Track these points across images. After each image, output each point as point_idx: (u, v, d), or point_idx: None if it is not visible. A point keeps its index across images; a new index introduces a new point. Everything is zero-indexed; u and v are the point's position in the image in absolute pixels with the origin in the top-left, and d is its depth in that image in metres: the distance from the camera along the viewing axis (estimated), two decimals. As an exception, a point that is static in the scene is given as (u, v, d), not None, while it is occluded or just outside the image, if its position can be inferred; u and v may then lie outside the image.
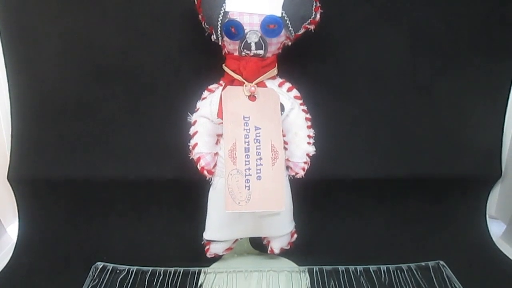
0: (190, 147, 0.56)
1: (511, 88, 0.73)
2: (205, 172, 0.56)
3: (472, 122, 0.74)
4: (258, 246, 0.68)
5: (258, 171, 0.52)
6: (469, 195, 0.77)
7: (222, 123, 0.52)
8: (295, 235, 0.63)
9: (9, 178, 0.71)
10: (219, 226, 0.60)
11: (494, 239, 0.75)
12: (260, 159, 0.52)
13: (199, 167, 0.55)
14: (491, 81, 0.73)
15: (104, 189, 0.71)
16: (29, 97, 0.70)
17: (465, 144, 0.74)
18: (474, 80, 0.72)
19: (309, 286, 0.61)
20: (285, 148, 0.56)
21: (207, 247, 0.62)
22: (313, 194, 0.68)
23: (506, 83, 0.73)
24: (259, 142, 0.53)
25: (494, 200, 0.80)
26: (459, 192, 0.76)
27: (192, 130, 0.56)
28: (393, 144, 0.72)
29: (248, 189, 0.52)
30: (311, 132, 0.56)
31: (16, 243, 0.72)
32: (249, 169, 0.52)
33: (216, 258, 0.64)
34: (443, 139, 0.73)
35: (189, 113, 0.56)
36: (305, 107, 0.56)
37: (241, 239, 0.64)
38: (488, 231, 0.76)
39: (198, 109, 0.56)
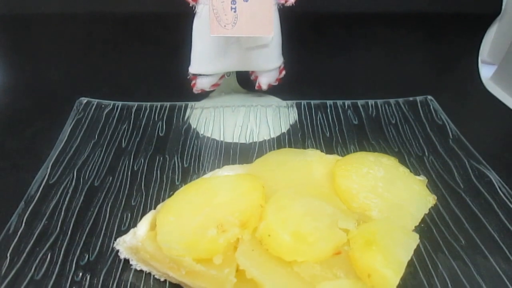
0: (170, -31, 0.51)
1: None
2: (188, -2, 0.52)
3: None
4: (246, 85, 0.66)
5: (245, -9, 0.48)
6: (464, 33, 0.74)
7: None
8: (284, 72, 0.61)
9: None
10: (205, 59, 0.57)
11: (483, 81, 0.75)
12: (247, -22, 0.48)
13: (181, -7, 0.51)
14: None
15: (82, 25, 0.67)
16: None
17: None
18: None
19: (297, 119, 0.61)
20: (275, -28, 0.52)
21: (193, 82, 0.60)
22: (302, 30, 0.65)
23: None
24: (246, -41, 0.48)
25: (488, 44, 0.78)
26: (454, 30, 0.73)
27: (171, -51, 0.51)
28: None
29: (235, 12, 0.48)
30: (303, -49, 0.51)
31: (-3, 85, 0.70)
32: (235, -12, 0.48)
33: (203, 95, 0.63)
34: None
35: None
36: None
37: (227, 76, 0.63)
38: (478, 72, 0.76)
39: None
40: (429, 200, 0.42)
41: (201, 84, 0.60)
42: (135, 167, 0.52)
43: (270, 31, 0.50)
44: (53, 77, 0.70)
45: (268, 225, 0.36)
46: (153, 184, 0.49)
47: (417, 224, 0.40)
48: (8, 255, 0.39)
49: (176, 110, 0.62)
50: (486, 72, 0.78)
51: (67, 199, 0.46)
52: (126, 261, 0.40)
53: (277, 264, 0.34)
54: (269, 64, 0.59)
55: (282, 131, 0.59)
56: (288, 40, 0.59)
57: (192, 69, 0.59)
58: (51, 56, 0.71)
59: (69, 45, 0.70)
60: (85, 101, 0.61)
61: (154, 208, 0.42)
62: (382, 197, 0.40)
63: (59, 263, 0.39)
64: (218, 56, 0.57)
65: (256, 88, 0.62)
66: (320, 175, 0.43)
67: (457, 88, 0.72)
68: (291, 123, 0.61)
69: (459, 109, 0.65)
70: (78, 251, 0.41)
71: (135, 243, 0.38)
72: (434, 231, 0.44)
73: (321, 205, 0.38)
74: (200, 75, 0.59)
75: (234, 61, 0.58)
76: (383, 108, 0.63)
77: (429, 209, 0.42)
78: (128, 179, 0.50)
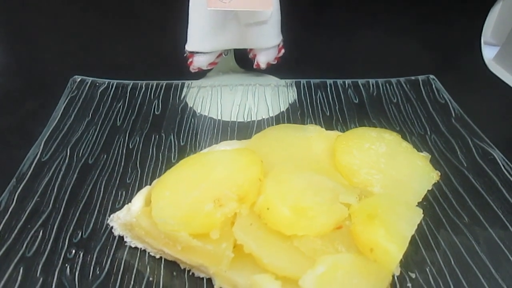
0: None
1: None
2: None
3: None
4: (244, 64, 0.64)
5: (243, -38, 0.47)
6: (467, 13, 0.73)
7: None
8: (283, 50, 0.60)
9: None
10: (202, 36, 0.56)
11: (486, 61, 0.74)
12: None
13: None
14: None
15: (77, 1, 0.65)
16: None
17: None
18: None
19: (297, 98, 0.60)
20: None
21: (190, 60, 0.58)
22: (302, 7, 0.63)
23: None
24: None
25: (491, 25, 0.77)
26: (458, 10, 0.72)
27: None
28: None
29: (232, -16, 0.47)
30: None
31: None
32: (232, -41, 0.46)
33: (200, 74, 0.62)
34: None
35: None
36: None
37: (225, 55, 0.61)
38: (481, 52, 0.74)
39: None
40: (432, 176, 0.40)
41: (198, 62, 0.59)
42: (130, 145, 0.50)
43: (269, 5, 0.49)
44: (47, 54, 0.68)
45: (267, 198, 0.34)
46: (148, 162, 0.48)
47: (420, 200, 0.39)
48: (-1, 231, 0.38)
49: (172, 89, 0.60)
50: (489, 53, 0.76)
51: (60, 176, 0.45)
52: (121, 238, 0.39)
53: (276, 238, 0.33)
54: (268, 41, 0.58)
55: (281, 110, 0.58)
56: (287, 18, 0.57)
57: (188, 46, 0.57)
58: (45, 33, 0.69)
59: (63, 22, 0.69)
60: (79, 79, 0.59)
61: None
62: (384, 173, 0.39)
63: (51, 240, 0.38)
64: (215, 33, 0.55)
65: (254, 67, 0.61)
66: (320, 150, 0.42)
67: (459, 69, 0.71)
68: (290, 102, 0.59)
69: (461, 90, 0.63)
70: (71, 228, 0.40)
71: (129, 219, 0.37)
72: (437, 208, 0.43)
73: (321, 179, 0.37)
74: (197, 52, 0.57)
75: (232, 38, 0.56)
76: (384, 87, 0.61)
77: (432, 187, 0.41)
78: (123, 157, 0.48)
